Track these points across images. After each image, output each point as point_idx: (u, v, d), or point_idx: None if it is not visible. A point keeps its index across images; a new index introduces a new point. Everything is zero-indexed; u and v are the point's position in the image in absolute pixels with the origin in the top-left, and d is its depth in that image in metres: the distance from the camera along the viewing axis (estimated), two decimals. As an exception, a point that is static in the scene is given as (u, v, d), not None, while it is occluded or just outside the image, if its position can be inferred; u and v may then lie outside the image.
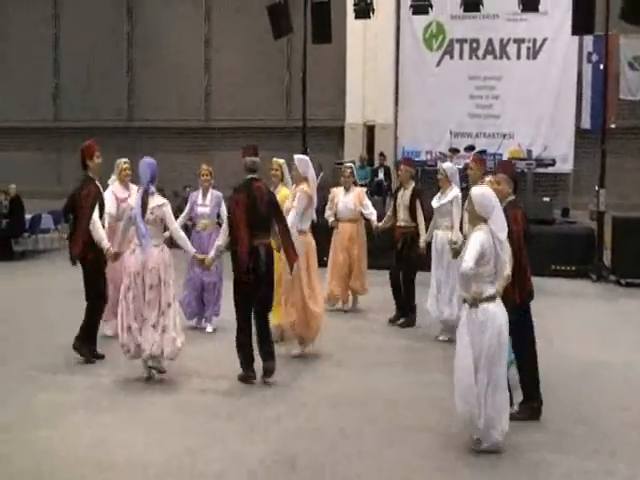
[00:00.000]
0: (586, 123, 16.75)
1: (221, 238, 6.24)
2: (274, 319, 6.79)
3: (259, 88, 18.52)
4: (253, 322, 6.12)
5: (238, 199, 6.01)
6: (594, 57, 16.68)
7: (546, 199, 13.49)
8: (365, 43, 16.86)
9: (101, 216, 6.68)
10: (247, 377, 6.07)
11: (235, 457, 4.62)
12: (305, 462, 4.54)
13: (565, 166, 16.38)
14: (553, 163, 14.89)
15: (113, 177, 7.73)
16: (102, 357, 6.76)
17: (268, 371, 6.06)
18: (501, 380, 4.57)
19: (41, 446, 4.79)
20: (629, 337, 8.02)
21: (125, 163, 7.66)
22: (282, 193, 7.32)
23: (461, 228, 7.16)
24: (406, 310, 8.34)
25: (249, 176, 6.16)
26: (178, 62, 19.15)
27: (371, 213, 8.86)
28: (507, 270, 4.72)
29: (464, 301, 4.69)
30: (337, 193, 9.16)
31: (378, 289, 9.03)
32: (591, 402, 5.76)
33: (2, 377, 6.26)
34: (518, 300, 5.00)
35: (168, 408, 5.54)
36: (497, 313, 4.57)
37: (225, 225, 6.20)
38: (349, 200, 8.96)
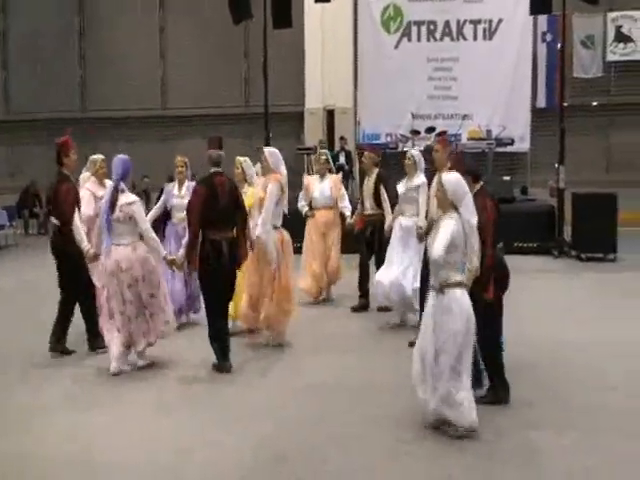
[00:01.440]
0: (541, 102, 17.05)
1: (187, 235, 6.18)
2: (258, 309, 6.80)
3: (217, 75, 18.31)
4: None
5: (199, 192, 5.95)
6: (548, 36, 16.98)
7: (506, 178, 13.69)
8: (323, 27, 16.78)
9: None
10: (222, 367, 6.04)
11: (222, 450, 4.57)
12: (294, 452, 4.51)
13: (522, 145, 16.64)
14: (511, 142, 15.12)
15: (86, 174, 7.45)
16: (70, 353, 6.65)
17: (223, 370, 6.04)
18: (467, 364, 4.59)
19: (20, 449, 4.66)
20: (594, 311, 8.19)
21: (103, 161, 7.38)
22: (250, 193, 7.15)
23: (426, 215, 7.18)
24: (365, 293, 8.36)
25: (212, 169, 6.08)
26: (132, 50, 18.79)
27: (345, 207, 8.75)
28: (474, 262, 4.69)
29: (431, 288, 4.70)
30: (311, 181, 9.00)
31: (348, 274, 8.99)
32: (562, 379, 5.84)
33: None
34: (490, 295, 4.96)
35: (149, 403, 5.46)
36: (464, 298, 4.59)
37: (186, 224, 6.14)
38: (325, 187, 8.83)
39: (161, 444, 4.69)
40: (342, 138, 16.09)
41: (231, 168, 7.25)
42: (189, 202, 6.07)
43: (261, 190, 6.83)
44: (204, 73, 18.37)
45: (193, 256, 5.94)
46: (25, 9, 19.30)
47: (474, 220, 4.59)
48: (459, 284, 4.59)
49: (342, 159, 15.46)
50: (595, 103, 16.93)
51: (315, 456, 4.46)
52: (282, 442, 4.69)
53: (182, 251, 6.16)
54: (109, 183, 7.28)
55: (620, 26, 16.90)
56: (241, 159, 7.42)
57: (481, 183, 5.25)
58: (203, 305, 7.71)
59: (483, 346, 5.14)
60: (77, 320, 6.77)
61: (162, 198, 7.91)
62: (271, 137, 14.03)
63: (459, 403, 4.55)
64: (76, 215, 6.39)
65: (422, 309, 6.61)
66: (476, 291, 4.82)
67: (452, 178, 4.69)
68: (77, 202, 6.52)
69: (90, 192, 7.08)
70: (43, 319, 6.86)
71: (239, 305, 6.97)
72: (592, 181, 15.42)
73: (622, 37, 16.89)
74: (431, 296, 4.70)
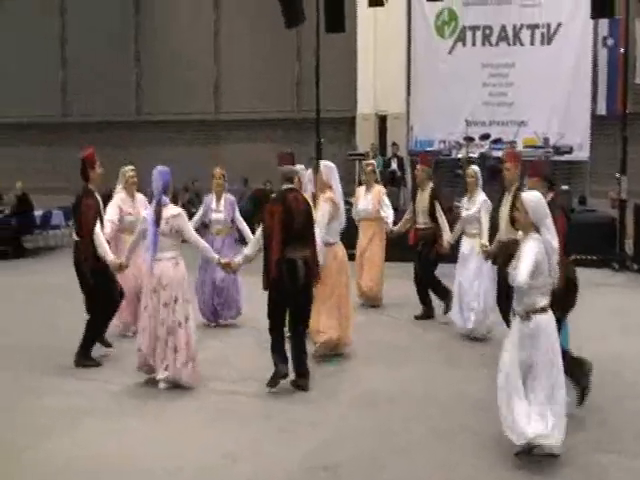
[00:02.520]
0: (602, 109, 16.47)
1: (250, 248, 6.07)
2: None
3: (268, 79, 18.30)
4: (288, 336, 5.94)
5: (273, 210, 5.79)
6: (609, 41, 16.38)
7: (564, 187, 13.24)
8: (376, 31, 16.59)
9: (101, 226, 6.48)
10: (276, 376, 5.80)
11: (271, 462, 4.45)
12: (344, 466, 4.38)
13: (581, 153, 16.10)
14: (570, 150, 14.65)
15: (119, 186, 7.49)
16: (110, 345, 6.72)
17: (299, 387, 5.85)
18: (559, 387, 4.38)
19: (61, 454, 4.62)
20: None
21: (132, 170, 7.46)
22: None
23: (491, 235, 7.00)
24: (441, 296, 8.24)
25: (285, 186, 5.92)
26: (187, 54, 18.94)
27: (387, 216, 8.66)
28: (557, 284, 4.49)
29: (514, 314, 4.52)
30: (359, 193, 9.01)
31: (399, 283, 8.82)
32: (627, 400, 5.57)
33: (7, 382, 6.10)
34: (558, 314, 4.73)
35: (193, 412, 5.37)
36: (550, 323, 4.41)
37: (258, 235, 5.96)
38: (368, 201, 8.79)
39: (206, 453, 4.60)
40: (394, 144, 15.86)
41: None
42: (266, 223, 5.84)
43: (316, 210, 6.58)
44: (256, 77, 18.39)
45: (269, 278, 5.73)
46: (83, 11, 19.64)
47: (556, 242, 4.38)
48: (544, 309, 4.39)
49: (394, 165, 15.25)
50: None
51: (368, 466, 4.33)
52: (332, 453, 4.56)
53: (240, 258, 6.12)
54: (140, 196, 7.37)
55: (685, 31, 16.21)
56: (298, 167, 7.29)
57: (551, 194, 5.04)
58: (240, 312, 7.83)
59: None
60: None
61: (201, 210, 7.89)
62: (322, 142, 13.91)
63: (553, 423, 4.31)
64: (97, 228, 6.32)
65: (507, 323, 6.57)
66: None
67: (532, 197, 4.50)
68: (98, 218, 6.45)
69: (118, 206, 7.17)
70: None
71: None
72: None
73: (687, 42, 16.19)
74: (516, 322, 4.50)
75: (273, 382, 5.77)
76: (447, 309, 8.02)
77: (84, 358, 6.51)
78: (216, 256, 6.17)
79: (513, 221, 6.32)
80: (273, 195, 6.04)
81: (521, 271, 4.27)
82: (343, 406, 5.48)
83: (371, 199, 8.76)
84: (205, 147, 18.33)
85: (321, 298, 6.54)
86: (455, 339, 7.42)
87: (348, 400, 5.61)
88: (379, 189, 8.94)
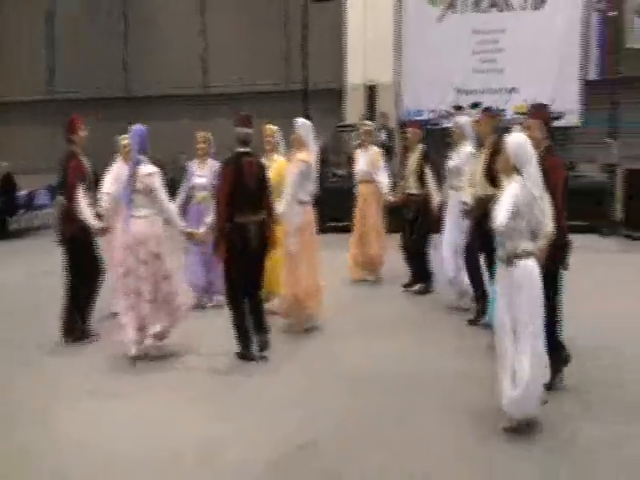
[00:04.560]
0: (593, 74, 16.30)
1: (212, 215, 6.02)
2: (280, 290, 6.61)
3: (256, 52, 18.05)
4: (245, 301, 5.90)
5: (226, 173, 5.73)
6: (601, 5, 16.15)
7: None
8: (365, 0, 16.33)
9: (88, 191, 6.45)
10: (245, 356, 5.86)
11: (251, 443, 4.41)
12: (328, 447, 4.32)
13: (572, 119, 15.95)
14: (561, 116, 14.49)
15: (118, 156, 7.52)
16: (93, 336, 6.57)
17: (262, 344, 5.86)
18: (540, 339, 4.29)
19: (41, 440, 4.59)
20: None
21: (125, 139, 7.32)
22: (279, 163, 7.00)
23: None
24: (422, 276, 8.10)
25: (240, 149, 5.84)
26: (173, 28, 18.68)
27: (381, 182, 8.46)
28: (548, 227, 4.38)
29: (499, 259, 4.41)
30: (357, 155, 8.86)
31: (393, 253, 8.71)
32: (615, 364, 5.58)
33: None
34: (554, 257, 4.61)
35: (172, 393, 5.33)
36: (534, 268, 4.29)
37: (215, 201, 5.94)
38: (364, 162, 8.65)
39: (186, 434, 4.56)
40: (383, 115, 15.70)
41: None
42: (217, 186, 5.87)
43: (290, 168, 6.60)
44: (243, 50, 18.14)
45: (222, 243, 5.71)
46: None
47: (537, 191, 4.23)
48: (528, 254, 4.27)
49: (383, 136, 15.10)
50: (650, 74, 16.08)
51: (351, 455, 4.25)
52: (311, 431, 4.52)
53: (204, 228, 6.05)
54: None
55: (677, -7, 15.98)
56: (274, 128, 7.23)
57: (548, 142, 4.90)
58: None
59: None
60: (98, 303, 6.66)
61: (186, 177, 7.72)
62: (310, 114, 13.77)
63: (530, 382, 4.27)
64: (80, 191, 6.25)
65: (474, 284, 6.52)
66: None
67: (515, 139, 4.34)
68: (84, 179, 6.38)
69: (114, 174, 7.10)
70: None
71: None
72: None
73: (679, 5, 15.97)
74: (500, 269, 4.39)
75: (243, 358, 5.81)
76: (421, 291, 7.99)
77: (68, 331, 6.44)
78: (182, 224, 6.11)
79: (489, 177, 6.26)
80: (226, 158, 5.95)
81: (500, 214, 4.17)
82: (319, 382, 5.42)
83: (367, 160, 8.63)
84: (194, 122, 18.12)
85: (295, 261, 6.51)
86: (438, 311, 7.33)
87: (324, 376, 5.55)
88: (376, 150, 8.79)
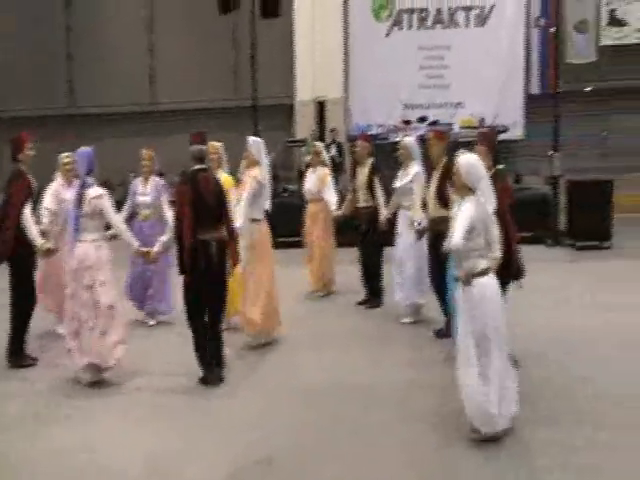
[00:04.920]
0: (535, 88, 16.79)
1: (167, 234, 5.98)
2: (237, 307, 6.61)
3: (204, 67, 18.05)
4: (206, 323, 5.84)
5: (183, 191, 5.67)
6: (541, 21, 16.68)
7: (500, 166, 13.38)
8: (313, 16, 16.54)
9: (33, 210, 6.34)
10: (207, 380, 5.74)
11: (207, 460, 4.35)
12: (284, 462, 4.29)
13: (516, 132, 16.39)
14: (505, 130, 14.89)
15: (58, 174, 7.35)
16: (34, 360, 6.42)
17: (217, 377, 5.76)
18: (505, 352, 4.36)
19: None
20: (589, 301, 8.05)
21: (67, 157, 7.24)
22: (223, 179, 7.00)
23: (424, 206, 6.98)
24: (373, 291, 8.20)
25: (196, 166, 5.81)
26: (120, 44, 18.53)
27: (329, 200, 8.57)
28: (496, 252, 4.45)
29: (456, 279, 4.46)
30: (307, 175, 9.04)
31: (347, 268, 8.76)
32: (564, 370, 5.71)
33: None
34: (505, 278, 4.76)
35: (122, 411, 5.24)
36: (492, 285, 4.36)
37: (171, 220, 5.89)
38: (313, 182, 8.79)
39: (136, 457, 4.46)
40: (333, 130, 15.86)
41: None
42: (176, 206, 5.77)
43: (243, 187, 6.61)
44: (193, 65, 18.11)
45: (188, 262, 5.58)
46: (12, 3, 18.96)
47: (491, 208, 4.30)
48: (485, 272, 4.32)
49: (333, 151, 15.23)
50: (589, 88, 16.68)
51: (307, 470, 4.22)
52: (266, 446, 4.49)
53: (157, 247, 6.04)
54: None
55: (614, 10, 16.64)
56: (217, 144, 7.23)
57: (497, 167, 5.03)
58: (170, 307, 7.59)
59: None
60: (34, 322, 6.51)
61: (129, 195, 7.67)
62: (260, 130, 13.82)
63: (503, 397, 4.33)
64: (27, 211, 6.15)
65: (440, 299, 6.56)
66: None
67: (465, 160, 4.41)
68: (30, 198, 6.26)
69: (54, 191, 7.02)
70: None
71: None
72: (588, 168, 15.22)
73: (616, 21, 16.62)
74: (460, 290, 4.42)
75: (205, 382, 5.69)
76: (371, 306, 8.06)
77: (16, 357, 6.31)
78: (136, 243, 6.04)
79: (441, 198, 6.42)
80: (182, 177, 5.92)
81: (456, 232, 4.21)
82: (277, 397, 5.41)
83: (315, 180, 8.77)
84: (142, 139, 17.95)
85: (252, 279, 6.52)
86: (393, 324, 7.38)
87: (282, 391, 5.54)
88: (324, 171, 8.90)
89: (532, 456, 4.23)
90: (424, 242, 6.88)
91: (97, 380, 5.80)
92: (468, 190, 4.35)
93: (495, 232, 4.37)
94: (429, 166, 6.72)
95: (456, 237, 4.21)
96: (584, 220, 11.45)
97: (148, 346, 6.76)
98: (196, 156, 5.83)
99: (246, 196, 6.44)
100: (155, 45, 18.91)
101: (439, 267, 6.17)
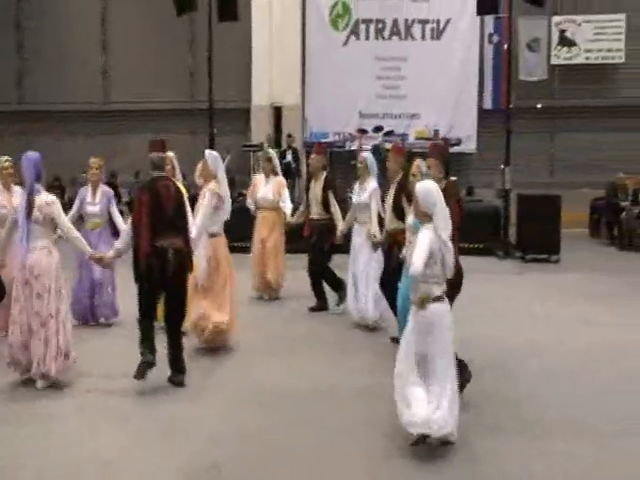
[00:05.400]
0: (488, 103, 17.16)
1: (121, 240, 5.84)
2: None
3: (161, 69, 17.82)
4: (164, 328, 5.80)
5: (141, 199, 5.60)
6: (495, 38, 17.09)
7: (453, 178, 13.59)
8: (271, 22, 16.51)
9: None
10: (143, 365, 5.55)
11: (153, 466, 4.25)
12: (232, 469, 4.23)
13: (469, 145, 16.72)
14: (458, 143, 15.15)
15: None
16: None
17: (176, 383, 5.67)
18: (452, 378, 4.43)
19: None
20: (538, 313, 8.20)
21: (6, 162, 7.00)
22: None
23: (381, 222, 7.05)
24: (318, 294, 8.22)
25: (155, 174, 5.74)
26: (73, 41, 18.14)
27: (285, 206, 8.62)
28: (450, 275, 4.53)
29: (412, 303, 4.50)
30: (258, 182, 8.94)
31: (296, 274, 8.75)
32: (511, 381, 5.79)
33: None
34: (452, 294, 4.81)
35: (71, 414, 5.10)
36: (445, 313, 4.45)
37: (129, 226, 5.75)
38: (268, 191, 8.74)
39: (82, 462, 4.33)
40: (289, 136, 15.86)
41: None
42: (134, 213, 5.67)
43: (201, 199, 6.49)
44: (148, 65, 17.85)
45: (144, 269, 5.51)
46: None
47: (445, 234, 4.36)
48: (439, 298, 4.41)
49: (289, 157, 15.24)
50: (539, 106, 17.11)
51: (253, 465, 4.21)
52: (216, 452, 4.43)
53: (112, 252, 5.91)
54: (17, 189, 6.87)
55: (564, 30, 17.15)
56: (170, 154, 7.13)
57: (445, 181, 5.08)
58: (117, 312, 7.51)
59: None
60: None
61: (76, 203, 7.51)
62: (216, 133, 13.72)
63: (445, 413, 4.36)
64: None
65: (392, 306, 6.56)
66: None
67: (422, 186, 4.50)
68: None
69: None
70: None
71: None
72: (537, 183, 15.64)
73: (566, 41, 17.13)
74: (412, 311, 4.48)
75: (140, 372, 5.54)
76: (341, 300, 8.07)
77: None
78: (89, 249, 5.92)
79: (397, 211, 6.51)
80: (141, 184, 5.85)
81: (416, 261, 4.26)
82: (230, 402, 5.36)
83: (271, 188, 8.72)
84: (94, 138, 17.63)
85: (213, 289, 6.47)
86: (349, 330, 7.41)
87: (236, 395, 5.49)
88: (280, 179, 8.90)
89: (476, 464, 4.28)
90: (379, 257, 7.00)
91: (49, 385, 5.64)
92: (427, 216, 4.43)
93: (450, 258, 4.43)
94: (386, 178, 6.79)
95: (416, 264, 4.27)
96: (533, 233, 11.73)
97: (98, 349, 6.62)
98: (156, 164, 5.77)
99: (204, 210, 6.36)
100: (109, 42, 18.58)
101: (392, 276, 6.22)
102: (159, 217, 5.54)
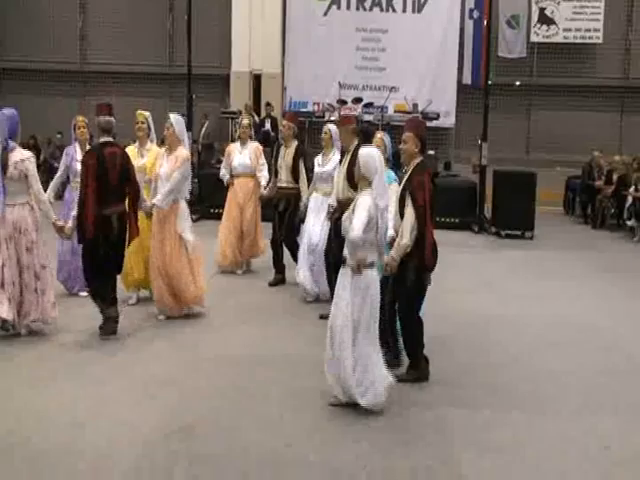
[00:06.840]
0: (467, 79, 17.19)
1: (78, 207, 5.79)
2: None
3: (140, 32, 17.49)
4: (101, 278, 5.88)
5: (88, 164, 5.62)
6: (475, 13, 17.08)
7: (430, 152, 13.71)
8: (252, -13, 16.29)
9: None
10: (107, 319, 5.77)
11: (125, 426, 4.29)
12: (203, 428, 4.30)
13: (447, 120, 16.76)
14: (437, 117, 15.18)
15: None
16: None
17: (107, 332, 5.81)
18: (378, 345, 4.56)
19: None
20: (511, 288, 8.36)
21: None
22: (152, 152, 6.87)
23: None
24: (278, 268, 8.13)
25: (102, 139, 5.74)
26: (51, 2, 17.72)
27: (262, 177, 8.38)
28: (406, 238, 4.69)
29: (347, 267, 4.51)
30: (232, 149, 8.65)
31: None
32: (482, 355, 5.90)
33: None
34: (420, 267, 4.89)
35: (35, 374, 5.10)
36: (376, 280, 4.53)
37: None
38: (245, 156, 8.50)
39: (50, 418, 4.37)
40: (268, 104, 15.75)
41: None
42: (82, 179, 5.70)
43: (166, 163, 6.45)
44: (126, 27, 17.51)
45: (85, 231, 5.63)
46: None
47: (382, 202, 4.41)
48: (372, 264, 4.49)
49: (268, 126, 15.16)
50: (518, 83, 17.21)
51: (226, 435, 4.24)
52: (186, 414, 4.48)
53: (72, 222, 5.89)
54: None
55: (544, 8, 17.18)
56: (146, 114, 7.04)
57: (421, 157, 5.11)
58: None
59: (405, 324, 5.12)
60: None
61: (63, 161, 7.33)
62: (194, 99, 13.58)
63: (371, 381, 4.49)
64: None
65: (330, 282, 6.54)
66: (409, 267, 4.81)
67: (366, 152, 4.54)
68: None
69: None
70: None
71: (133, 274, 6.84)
72: (513, 159, 15.78)
73: (545, 19, 17.17)
74: (346, 274, 4.51)
75: (108, 329, 5.72)
76: (274, 283, 8.02)
77: None
78: (54, 217, 5.88)
79: (350, 181, 6.39)
80: (88, 148, 5.86)
81: (355, 226, 4.32)
82: (197, 367, 5.38)
83: (248, 154, 8.49)
84: (70, 99, 17.34)
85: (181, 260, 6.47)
86: (304, 301, 7.37)
87: (200, 361, 5.52)
88: (257, 145, 8.67)
89: (449, 435, 4.36)
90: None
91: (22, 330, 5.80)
92: (366, 181, 4.47)
93: (383, 226, 4.47)
94: (341, 150, 6.76)
95: (356, 229, 4.32)
96: (509, 210, 11.87)
97: (79, 313, 6.58)
98: (103, 127, 5.77)
99: (177, 176, 6.32)
100: (88, 2, 18.18)
101: (338, 246, 6.18)
102: (104, 184, 5.63)
